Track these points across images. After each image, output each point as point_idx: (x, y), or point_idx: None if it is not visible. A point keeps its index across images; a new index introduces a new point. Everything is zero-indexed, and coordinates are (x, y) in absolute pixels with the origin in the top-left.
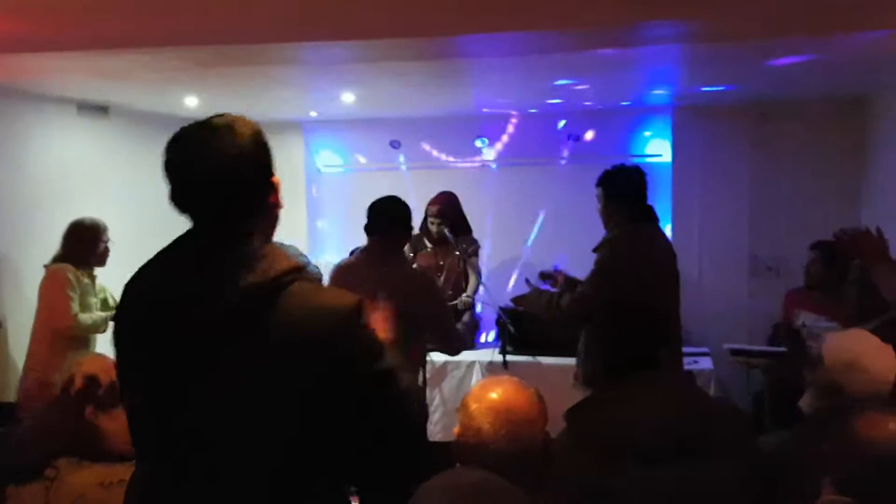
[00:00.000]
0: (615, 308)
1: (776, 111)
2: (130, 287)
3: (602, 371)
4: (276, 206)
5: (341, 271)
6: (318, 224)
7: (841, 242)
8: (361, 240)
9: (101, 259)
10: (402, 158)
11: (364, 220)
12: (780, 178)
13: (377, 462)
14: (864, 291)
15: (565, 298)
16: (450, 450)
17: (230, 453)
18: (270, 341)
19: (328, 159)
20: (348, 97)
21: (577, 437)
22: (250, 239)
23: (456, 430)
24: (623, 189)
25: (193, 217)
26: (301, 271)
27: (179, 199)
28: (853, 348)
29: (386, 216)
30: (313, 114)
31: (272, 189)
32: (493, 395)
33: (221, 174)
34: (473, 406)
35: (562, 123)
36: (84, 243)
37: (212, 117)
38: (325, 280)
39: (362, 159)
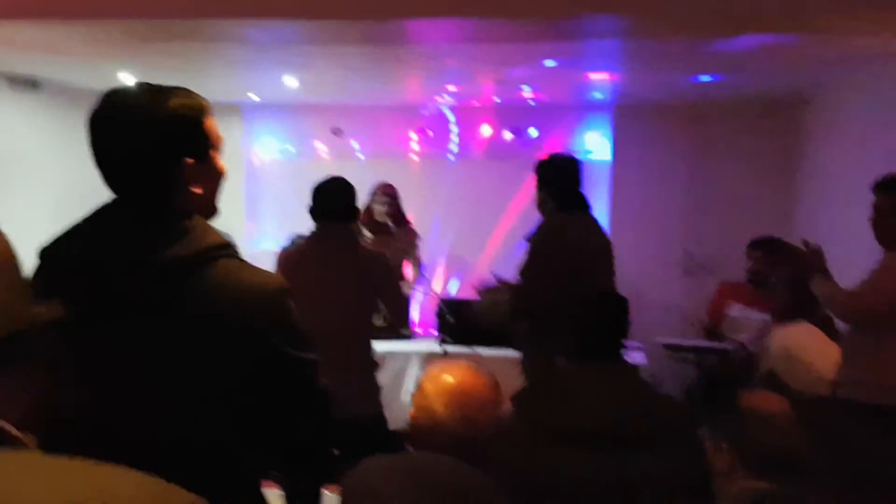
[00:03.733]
0: (585, 297)
1: (713, 111)
2: (46, 254)
3: (562, 358)
4: (210, 185)
5: (291, 256)
6: (256, 211)
7: (781, 248)
8: (302, 228)
9: None
10: (346, 147)
11: (304, 207)
12: (715, 177)
13: (283, 448)
14: (794, 292)
15: (509, 294)
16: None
17: (137, 427)
18: (192, 315)
19: (268, 144)
20: (291, 81)
21: (525, 422)
22: (176, 212)
23: (410, 412)
24: (556, 176)
25: (113, 186)
26: (229, 248)
27: (98, 165)
28: (795, 339)
29: (337, 198)
30: (254, 97)
31: (202, 166)
32: (449, 379)
33: (129, 142)
34: (429, 388)
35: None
36: None
37: (138, 84)
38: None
39: (303, 146)
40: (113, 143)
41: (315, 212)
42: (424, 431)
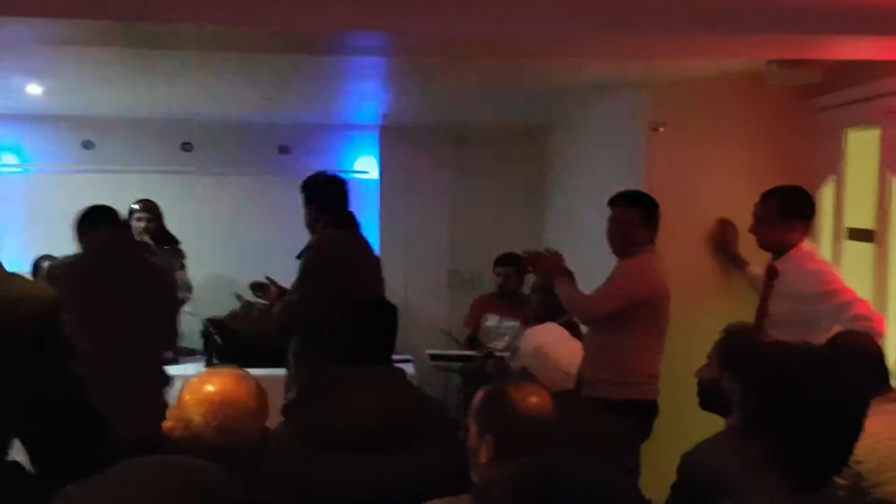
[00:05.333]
0: (356, 305)
1: (471, 135)
2: None
3: (334, 366)
4: None
5: (72, 272)
6: None
7: (527, 259)
8: (44, 248)
9: None
10: (99, 160)
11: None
12: (474, 197)
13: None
14: (545, 298)
15: (277, 307)
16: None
17: None
18: None
19: (5, 159)
20: (34, 89)
21: (295, 431)
22: None
23: (166, 424)
24: (324, 194)
25: None
26: None
27: None
28: (541, 337)
29: (112, 213)
30: None
31: None
32: (209, 387)
33: None
34: (187, 397)
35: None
36: None
37: None
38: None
39: (48, 160)
40: None
41: (90, 223)
42: (181, 442)
